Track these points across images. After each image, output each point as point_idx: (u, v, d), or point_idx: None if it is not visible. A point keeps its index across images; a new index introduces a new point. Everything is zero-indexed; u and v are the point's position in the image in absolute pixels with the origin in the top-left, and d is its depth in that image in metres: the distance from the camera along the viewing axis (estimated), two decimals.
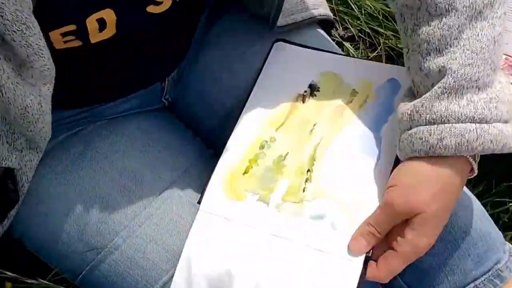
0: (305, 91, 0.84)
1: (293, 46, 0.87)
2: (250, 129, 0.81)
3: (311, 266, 0.71)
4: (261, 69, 0.86)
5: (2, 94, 0.56)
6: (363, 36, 1.32)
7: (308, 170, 0.77)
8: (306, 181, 0.76)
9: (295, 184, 0.76)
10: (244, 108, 0.83)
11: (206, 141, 0.90)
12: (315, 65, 0.86)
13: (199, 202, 0.77)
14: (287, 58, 0.87)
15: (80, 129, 0.83)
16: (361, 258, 0.70)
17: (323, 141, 0.79)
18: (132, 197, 0.77)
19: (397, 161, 0.74)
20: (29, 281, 0.84)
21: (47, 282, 0.85)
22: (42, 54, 0.58)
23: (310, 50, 0.87)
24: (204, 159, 0.85)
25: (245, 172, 0.78)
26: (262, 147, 0.80)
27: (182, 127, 0.91)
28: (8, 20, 0.52)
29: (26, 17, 0.54)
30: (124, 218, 0.77)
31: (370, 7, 1.32)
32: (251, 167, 0.79)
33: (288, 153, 0.79)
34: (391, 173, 0.73)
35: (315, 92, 0.84)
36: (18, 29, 0.53)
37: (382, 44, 1.30)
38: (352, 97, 0.82)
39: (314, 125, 0.81)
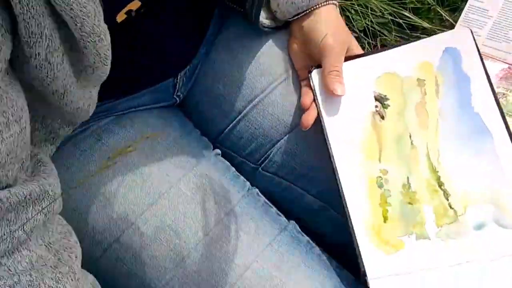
0: (376, 106, 0.79)
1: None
2: (353, 173, 0.77)
3: (508, 275, 0.72)
4: (316, 103, 0.80)
5: (64, 97, 0.60)
6: (363, 36, 1.26)
7: (440, 184, 0.75)
8: (446, 196, 0.75)
9: (439, 205, 0.74)
10: (332, 152, 0.77)
11: (213, 141, 0.90)
12: (364, 74, 0.80)
13: (364, 275, 0.73)
14: None
15: (92, 124, 0.82)
16: None
17: (430, 147, 0.77)
18: (138, 194, 0.77)
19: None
20: None
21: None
22: (107, 62, 0.61)
23: (348, 62, 0.81)
24: (210, 159, 0.85)
25: (385, 220, 0.75)
26: (380, 185, 0.76)
27: (190, 126, 0.90)
28: (85, 32, 0.55)
29: (101, 31, 0.57)
30: (131, 215, 0.77)
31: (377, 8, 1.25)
32: (387, 211, 0.75)
33: (408, 177, 0.76)
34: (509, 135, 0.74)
35: (385, 103, 0.79)
36: (92, 40, 0.57)
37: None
38: (422, 87, 0.79)
39: (410, 136, 0.78)
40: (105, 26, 0.58)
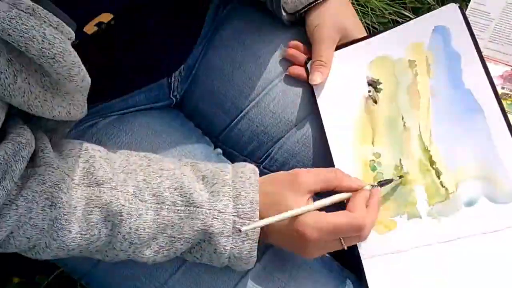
0: (369, 91, 0.81)
1: None
2: (347, 157, 0.79)
3: (499, 250, 0.72)
4: (313, 93, 0.83)
5: (31, 110, 0.61)
6: None
7: (432, 163, 0.76)
8: (437, 175, 0.76)
9: (431, 184, 0.75)
10: (328, 138, 0.81)
11: (215, 140, 0.91)
12: (357, 60, 0.82)
13: (358, 256, 0.76)
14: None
15: (89, 125, 0.83)
16: None
17: (422, 128, 0.78)
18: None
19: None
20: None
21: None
22: (74, 79, 0.61)
23: (342, 49, 0.83)
24: (211, 159, 0.85)
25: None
26: (373, 168, 0.79)
27: (190, 126, 0.91)
28: (34, 54, 0.56)
29: (55, 53, 0.57)
30: None
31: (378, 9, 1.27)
32: (380, 192, 0.77)
33: (400, 159, 0.78)
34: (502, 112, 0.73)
35: (378, 87, 0.81)
36: (46, 61, 0.57)
37: None
38: (413, 68, 0.80)
39: (403, 118, 0.79)
40: (62, 47, 0.58)
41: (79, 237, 0.67)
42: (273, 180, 0.73)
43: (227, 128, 0.89)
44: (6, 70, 0.57)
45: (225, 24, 0.92)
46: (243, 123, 0.87)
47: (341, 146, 0.80)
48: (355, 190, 0.73)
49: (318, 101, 0.83)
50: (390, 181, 0.76)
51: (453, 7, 0.79)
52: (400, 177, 0.76)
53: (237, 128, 0.88)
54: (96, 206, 0.67)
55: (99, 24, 0.72)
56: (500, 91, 0.76)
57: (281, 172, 0.74)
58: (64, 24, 0.58)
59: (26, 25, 0.55)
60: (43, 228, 0.66)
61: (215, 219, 0.70)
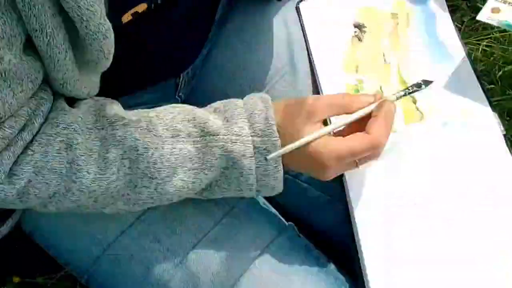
0: (355, 31, 0.91)
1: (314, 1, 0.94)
2: (334, 82, 0.87)
3: (470, 170, 0.79)
4: (304, 33, 0.91)
5: (63, 87, 0.64)
6: None
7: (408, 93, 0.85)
8: (413, 101, 0.85)
9: (408, 107, 0.84)
10: (316, 70, 0.88)
11: None
12: (346, 7, 0.93)
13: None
14: (318, 12, 0.92)
15: None
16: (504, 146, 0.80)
17: (401, 65, 0.88)
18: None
19: None
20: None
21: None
22: (109, 57, 0.63)
23: None
24: None
25: None
26: (356, 91, 0.86)
27: None
28: (91, 30, 0.58)
29: (106, 29, 0.60)
30: (131, 215, 0.78)
31: None
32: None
33: (380, 86, 0.87)
34: None
35: (363, 29, 0.91)
36: (98, 38, 0.59)
37: None
38: (395, 19, 0.91)
39: (384, 55, 0.89)
40: (109, 24, 0.60)
41: (99, 177, 0.66)
42: (284, 112, 0.72)
43: None
44: (61, 45, 0.59)
45: (227, 22, 0.93)
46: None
47: (328, 73, 0.87)
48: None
49: (311, 42, 0.90)
50: (408, 92, 0.77)
51: None
52: (419, 85, 0.77)
53: None
54: (111, 145, 0.67)
55: (134, 14, 0.72)
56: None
57: (291, 101, 0.73)
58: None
59: None
60: (61, 172, 0.65)
61: (234, 144, 0.69)
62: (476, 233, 0.75)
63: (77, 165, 0.65)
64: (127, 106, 0.81)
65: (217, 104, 0.73)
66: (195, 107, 0.73)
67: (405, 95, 0.75)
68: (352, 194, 0.78)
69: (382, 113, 0.71)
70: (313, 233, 0.85)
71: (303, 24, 0.92)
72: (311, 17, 0.92)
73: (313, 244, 0.82)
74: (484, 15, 0.83)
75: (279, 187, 0.73)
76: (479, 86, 0.84)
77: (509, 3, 0.84)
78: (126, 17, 0.71)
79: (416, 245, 0.75)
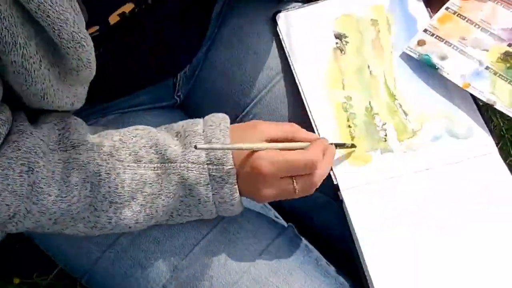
0: (336, 42, 0.88)
1: (290, 11, 0.90)
2: (321, 101, 0.84)
3: (461, 177, 0.80)
4: (281, 47, 0.88)
5: (44, 99, 0.63)
6: None
7: (398, 106, 0.84)
8: (404, 115, 0.84)
9: (399, 123, 0.83)
10: (301, 85, 0.85)
11: None
12: (323, 17, 0.89)
13: (336, 188, 0.80)
14: (296, 24, 0.89)
15: (92, 123, 0.82)
16: (495, 148, 0.82)
17: (387, 76, 0.86)
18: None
19: None
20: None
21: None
22: (90, 65, 0.63)
23: (309, 6, 0.90)
24: None
25: (352, 138, 0.83)
26: (346, 109, 0.85)
27: None
28: (64, 38, 0.57)
29: (81, 38, 0.59)
30: None
31: None
32: (353, 131, 0.83)
33: (370, 101, 0.85)
34: None
35: (344, 39, 0.89)
36: (72, 46, 0.59)
37: None
38: (376, 26, 0.89)
39: (369, 67, 0.87)
40: (85, 32, 0.60)
41: (60, 199, 0.67)
42: (238, 127, 0.75)
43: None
44: (35, 55, 0.58)
45: (226, 22, 0.92)
46: (246, 121, 0.86)
47: (314, 91, 0.85)
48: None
49: (291, 54, 0.87)
50: (343, 145, 0.81)
51: None
52: (353, 146, 0.81)
53: None
54: (73, 168, 0.67)
55: (121, 15, 0.72)
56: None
57: (248, 123, 0.76)
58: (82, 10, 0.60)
59: (62, 6, 0.55)
60: (22, 194, 0.65)
61: (190, 171, 0.71)
62: (471, 234, 0.77)
63: (38, 188, 0.65)
64: (126, 108, 0.86)
65: (179, 127, 0.73)
66: (159, 129, 0.74)
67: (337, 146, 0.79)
68: (351, 212, 0.78)
69: (322, 143, 0.75)
70: (313, 233, 0.85)
71: (282, 38, 0.89)
72: (289, 30, 0.88)
73: (314, 244, 0.83)
74: (409, 45, 0.85)
75: (238, 210, 0.74)
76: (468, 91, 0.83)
77: (438, 37, 0.84)
78: (113, 18, 0.72)
79: (416, 246, 0.76)
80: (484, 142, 0.81)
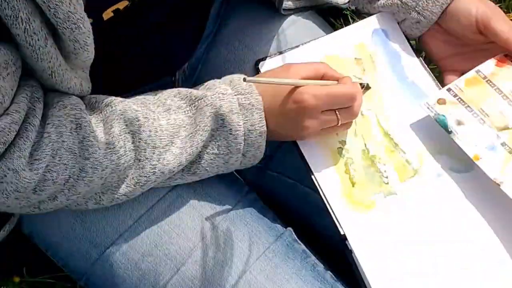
0: None
1: (273, 58, 0.87)
2: (316, 148, 0.81)
3: (471, 210, 0.79)
4: None
5: (52, 77, 0.65)
6: None
7: (394, 145, 0.82)
8: (402, 154, 0.82)
9: (399, 163, 0.81)
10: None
11: None
12: (307, 59, 0.87)
13: (344, 238, 0.77)
14: None
15: None
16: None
17: (379, 115, 0.84)
18: (135, 198, 0.77)
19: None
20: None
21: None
22: (88, 48, 0.63)
23: (290, 51, 0.87)
24: None
25: (353, 184, 0.80)
26: (342, 155, 0.82)
27: None
28: (60, 18, 0.57)
29: (78, 18, 0.59)
30: (129, 219, 0.78)
31: None
32: (353, 176, 0.80)
33: (365, 144, 0.82)
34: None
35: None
36: (68, 27, 0.59)
37: None
38: (360, 65, 0.87)
39: None
40: (83, 14, 0.60)
41: (109, 151, 0.69)
42: (271, 71, 0.78)
43: None
44: (39, 32, 0.58)
45: (226, 22, 0.93)
46: None
47: (307, 142, 0.82)
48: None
49: None
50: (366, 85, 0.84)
51: (387, 14, 0.89)
52: (368, 86, 0.84)
53: None
54: (113, 120, 0.69)
55: (116, 11, 0.74)
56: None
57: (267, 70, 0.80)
58: None
59: None
60: (75, 152, 0.67)
61: (221, 100, 0.73)
62: (479, 267, 0.76)
63: (88, 141, 0.67)
64: None
65: (199, 88, 0.76)
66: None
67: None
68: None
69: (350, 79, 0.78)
70: (313, 237, 0.84)
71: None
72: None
73: (313, 248, 0.82)
74: (428, 102, 0.81)
75: (262, 148, 0.76)
76: None
77: (461, 100, 0.81)
78: (107, 14, 0.73)
79: (413, 254, 0.76)
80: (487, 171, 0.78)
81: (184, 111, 0.74)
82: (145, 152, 0.71)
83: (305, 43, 0.88)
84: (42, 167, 0.65)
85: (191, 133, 0.73)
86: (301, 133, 0.76)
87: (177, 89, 0.75)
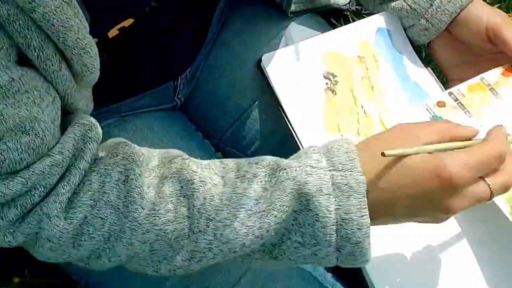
0: (327, 83, 0.85)
1: (277, 51, 0.86)
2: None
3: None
4: (271, 89, 0.84)
5: (65, 100, 0.62)
6: None
7: None
8: None
9: None
10: (296, 133, 0.81)
11: (217, 141, 0.91)
12: (310, 57, 0.86)
13: None
14: (284, 65, 0.85)
15: None
16: None
17: (381, 114, 0.83)
18: None
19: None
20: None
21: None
22: (94, 71, 0.62)
23: (295, 45, 0.86)
24: None
25: None
26: None
27: (192, 130, 0.91)
28: (68, 45, 0.57)
29: (86, 43, 0.58)
30: None
31: None
32: None
33: None
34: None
35: (334, 79, 0.85)
36: (77, 53, 0.58)
37: None
38: (363, 63, 0.86)
39: (362, 107, 0.84)
40: (90, 38, 0.60)
41: (153, 214, 0.59)
42: (377, 139, 0.63)
43: (230, 129, 0.89)
44: (53, 57, 0.57)
45: (227, 24, 0.92)
46: (246, 123, 0.87)
47: (310, 136, 0.81)
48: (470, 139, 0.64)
49: (281, 97, 0.83)
50: None
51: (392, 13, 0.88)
52: None
53: (240, 129, 0.88)
54: (167, 177, 0.60)
55: (121, 29, 0.73)
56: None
57: (375, 135, 0.65)
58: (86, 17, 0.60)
59: (66, 14, 0.55)
60: (118, 208, 0.59)
61: (309, 175, 0.58)
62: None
63: (131, 197, 0.59)
64: (126, 111, 0.85)
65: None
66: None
67: None
68: None
69: (499, 130, 0.64)
70: None
71: (271, 82, 0.84)
72: (277, 74, 0.84)
73: None
74: (427, 102, 0.80)
75: (363, 246, 0.58)
76: None
77: (461, 104, 0.80)
78: (113, 32, 0.73)
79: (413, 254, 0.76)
80: None
81: (260, 181, 0.59)
82: (198, 223, 0.59)
83: (306, 39, 0.86)
84: (78, 217, 0.58)
85: (263, 210, 0.58)
86: (436, 217, 0.62)
87: (265, 156, 0.62)
